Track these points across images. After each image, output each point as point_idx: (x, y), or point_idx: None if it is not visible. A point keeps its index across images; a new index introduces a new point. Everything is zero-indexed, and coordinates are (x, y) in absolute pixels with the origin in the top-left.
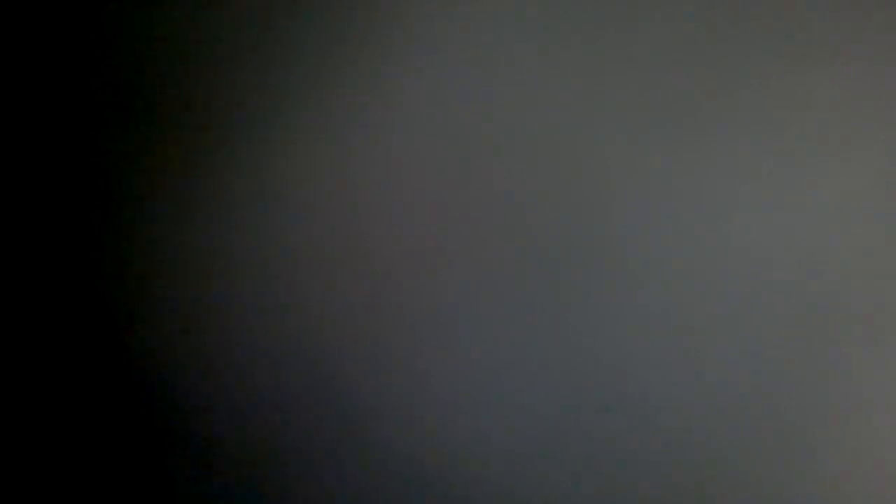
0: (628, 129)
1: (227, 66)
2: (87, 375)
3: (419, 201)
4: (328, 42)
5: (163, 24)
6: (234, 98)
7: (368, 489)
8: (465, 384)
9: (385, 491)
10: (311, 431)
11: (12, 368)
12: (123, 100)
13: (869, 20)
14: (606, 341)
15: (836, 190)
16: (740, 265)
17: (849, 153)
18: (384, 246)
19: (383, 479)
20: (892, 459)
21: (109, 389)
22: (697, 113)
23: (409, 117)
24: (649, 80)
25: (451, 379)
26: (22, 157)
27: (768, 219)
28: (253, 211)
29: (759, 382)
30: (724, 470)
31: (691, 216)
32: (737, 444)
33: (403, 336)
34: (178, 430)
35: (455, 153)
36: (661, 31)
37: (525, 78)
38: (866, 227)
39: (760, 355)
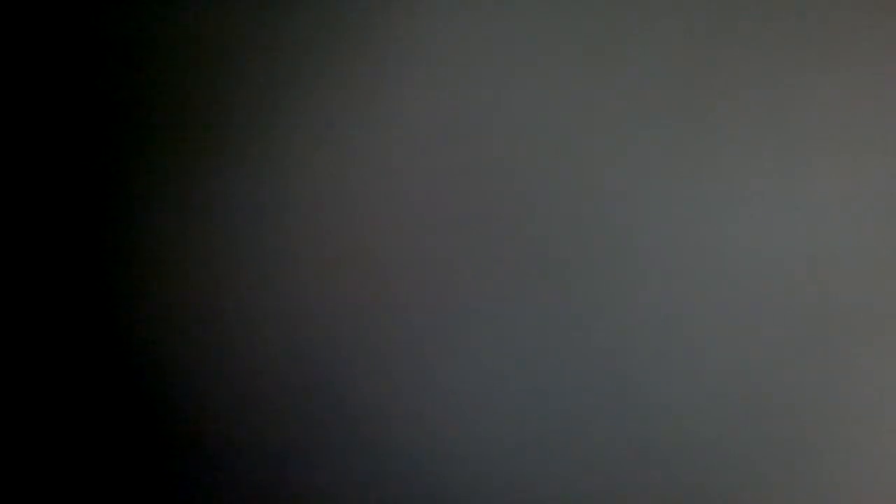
0: (629, 129)
1: (228, 67)
2: (87, 375)
3: (421, 202)
4: (330, 42)
5: (163, 24)
6: (236, 99)
7: (370, 489)
8: (468, 385)
9: (387, 491)
10: (312, 432)
11: (12, 369)
12: (123, 100)
13: (869, 20)
14: (609, 341)
15: (837, 190)
16: (742, 265)
17: (849, 153)
18: (386, 246)
19: (385, 480)
20: (894, 459)
21: (109, 389)
22: (699, 114)
23: (411, 118)
24: (651, 82)
25: (453, 380)
26: (23, 157)
27: (769, 219)
28: (254, 211)
29: (760, 382)
30: (725, 470)
31: (694, 217)
32: (738, 443)
33: (405, 336)
34: (177, 430)
35: (457, 154)
36: (663, 32)
37: (527, 78)
38: (866, 227)
39: (762, 355)
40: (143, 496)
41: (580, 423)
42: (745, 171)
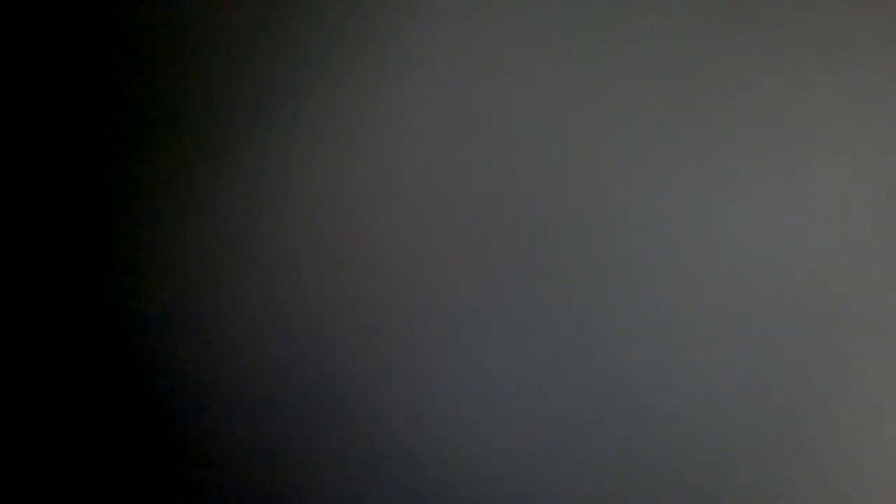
0: (629, 129)
1: (229, 66)
2: (86, 376)
3: (422, 201)
4: (331, 42)
5: (164, 24)
6: (237, 99)
7: (370, 489)
8: (468, 385)
9: (387, 491)
10: (312, 432)
11: (12, 368)
12: (124, 100)
13: (869, 20)
14: (609, 341)
15: (837, 190)
16: (742, 265)
17: (849, 153)
18: (386, 246)
19: (385, 480)
20: (894, 459)
21: (109, 390)
22: (699, 114)
23: (413, 118)
24: (651, 82)
25: (454, 380)
26: (23, 157)
27: (769, 219)
28: (254, 211)
29: (760, 383)
30: (726, 470)
31: (694, 217)
32: (739, 444)
33: (406, 336)
34: (177, 430)
35: (457, 154)
36: (663, 33)
37: (528, 79)
38: (867, 227)
39: (762, 355)
40: (143, 496)
41: (580, 422)
42: (745, 171)
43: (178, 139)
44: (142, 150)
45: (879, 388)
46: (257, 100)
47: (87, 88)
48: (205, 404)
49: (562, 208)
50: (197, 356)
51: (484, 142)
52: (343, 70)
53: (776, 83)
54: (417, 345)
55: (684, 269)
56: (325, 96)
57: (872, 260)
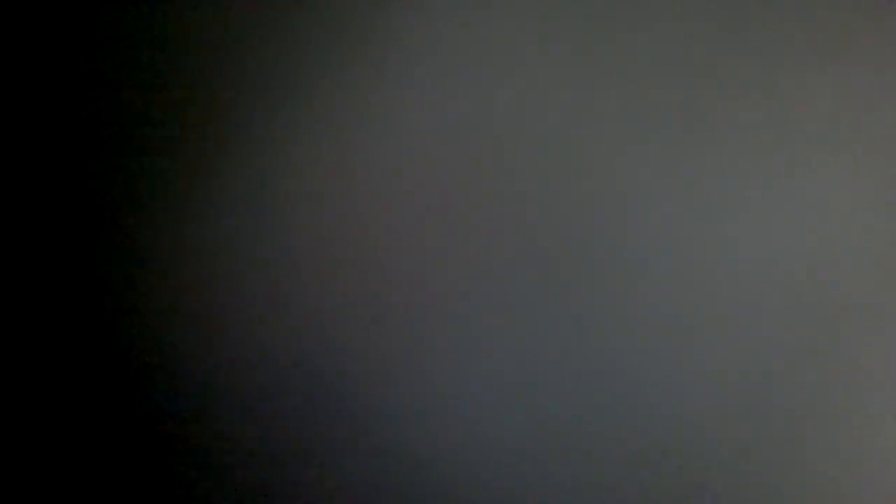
0: (630, 129)
1: (230, 66)
2: (86, 375)
3: (421, 201)
4: (330, 42)
5: (163, 24)
6: (237, 99)
7: (370, 489)
8: (469, 385)
9: (387, 492)
10: (312, 432)
11: (12, 368)
12: (124, 101)
13: (868, 21)
14: (609, 341)
15: (837, 190)
16: (743, 265)
17: (849, 153)
18: (386, 246)
19: (385, 480)
20: (893, 460)
21: (108, 390)
22: (699, 114)
23: (411, 118)
24: (651, 82)
25: (454, 380)
26: (23, 157)
27: (770, 219)
28: (255, 211)
29: (760, 383)
30: (724, 470)
31: (694, 217)
32: (738, 444)
33: (405, 335)
34: (177, 430)
35: (457, 154)
36: (663, 33)
37: (529, 79)
38: (867, 227)
39: (762, 355)
40: (143, 497)
41: (581, 423)
42: (745, 172)
43: (178, 139)
44: (142, 151)
45: (879, 387)
46: (257, 100)
47: (88, 88)
48: (204, 404)
49: (562, 208)
50: (197, 356)
51: (484, 142)
52: (343, 70)
53: (776, 83)
54: (417, 345)
55: (684, 269)
56: (325, 96)
57: (872, 259)
